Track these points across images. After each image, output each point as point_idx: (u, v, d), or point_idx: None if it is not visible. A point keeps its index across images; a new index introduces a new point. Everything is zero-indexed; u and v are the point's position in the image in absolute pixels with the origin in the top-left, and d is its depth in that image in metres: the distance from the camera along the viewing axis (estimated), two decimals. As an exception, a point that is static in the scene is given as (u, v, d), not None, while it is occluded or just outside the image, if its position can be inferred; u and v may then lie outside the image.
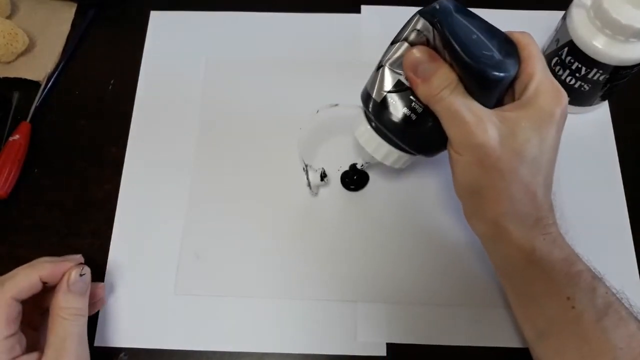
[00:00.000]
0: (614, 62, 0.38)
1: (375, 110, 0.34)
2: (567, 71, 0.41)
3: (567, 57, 0.40)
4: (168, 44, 0.49)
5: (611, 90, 0.42)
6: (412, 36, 0.32)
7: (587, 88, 0.41)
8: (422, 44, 0.32)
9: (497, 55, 0.31)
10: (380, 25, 0.50)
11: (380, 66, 0.34)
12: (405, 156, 0.37)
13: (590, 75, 0.40)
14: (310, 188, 0.41)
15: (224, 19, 0.50)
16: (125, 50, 0.49)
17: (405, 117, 0.33)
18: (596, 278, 0.31)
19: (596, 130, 0.45)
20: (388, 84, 0.34)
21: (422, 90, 0.32)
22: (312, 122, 0.41)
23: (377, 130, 0.36)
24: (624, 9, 0.36)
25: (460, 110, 0.31)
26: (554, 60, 0.42)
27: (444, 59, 0.31)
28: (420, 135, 0.34)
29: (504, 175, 0.31)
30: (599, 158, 0.44)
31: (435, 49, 0.32)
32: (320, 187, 0.42)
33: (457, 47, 0.30)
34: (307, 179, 0.41)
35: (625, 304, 0.31)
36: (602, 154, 0.44)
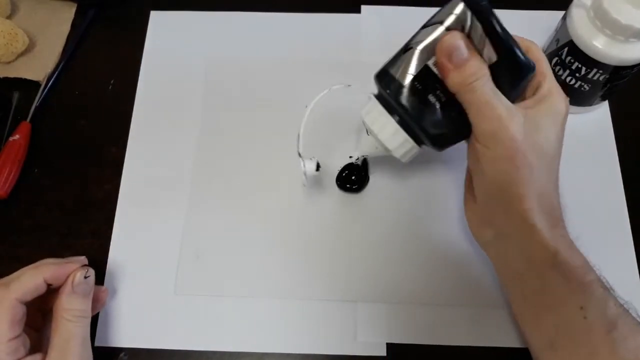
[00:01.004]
0: (614, 62, 0.38)
1: (396, 94, 0.33)
2: (567, 71, 0.41)
3: (567, 57, 0.40)
4: (168, 44, 0.49)
5: (611, 90, 0.42)
6: (450, 20, 0.31)
7: (587, 88, 0.41)
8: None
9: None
10: (380, 25, 0.49)
11: (408, 48, 0.33)
12: (415, 147, 0.35)
13: (590, 75, 0.40)
14: (306, 177, 0.40)
15: (224, 19, 0.50)
16: (125, 50, 0.49)
17: (428, 105, 0.32)
18: (606, 289, 0.31)
19: (596, 130, 0.45)
20: (414, 67, 0.32)
21: (454, 78, 0.31)
22: (314, 112, 0.39)
23: (392, 113, 0.34)
24: (624, 9, 0.36)
25: (492, 102, 0.30)
26: (554, 60, 0.42)
27: (478, 50, 0.31)
28: (440, 124, 0.33)
29: (532, 170, 0.30)
30: (599, 158, 0.44)
31: (468, 37, 0.31)
32: (315, 177, 0.40)
33: (501, 33, 0.30)
34: (303, 166, 0.39)
35: (633, 314, 0.31)
36: (602, 154, 0.44)
